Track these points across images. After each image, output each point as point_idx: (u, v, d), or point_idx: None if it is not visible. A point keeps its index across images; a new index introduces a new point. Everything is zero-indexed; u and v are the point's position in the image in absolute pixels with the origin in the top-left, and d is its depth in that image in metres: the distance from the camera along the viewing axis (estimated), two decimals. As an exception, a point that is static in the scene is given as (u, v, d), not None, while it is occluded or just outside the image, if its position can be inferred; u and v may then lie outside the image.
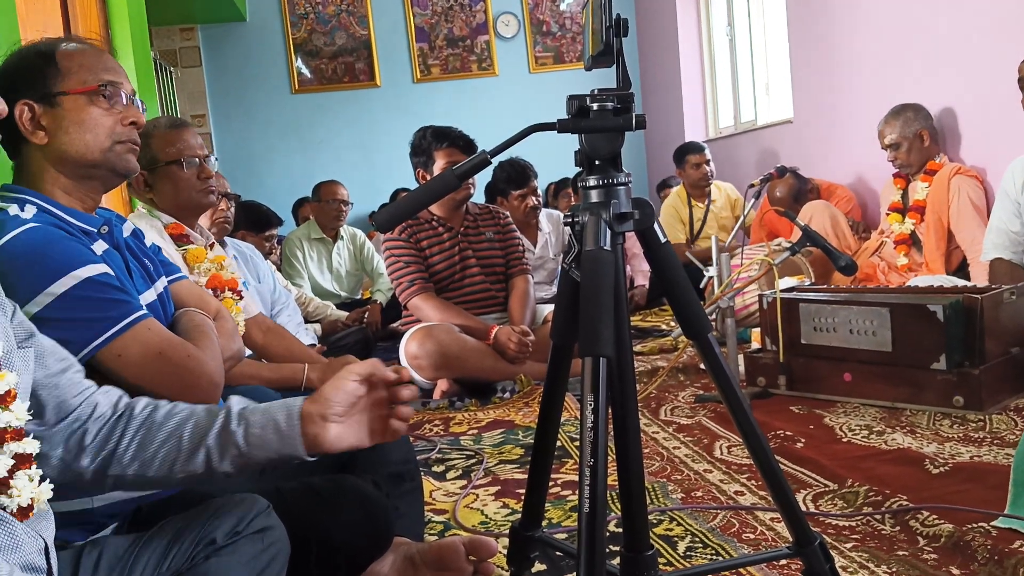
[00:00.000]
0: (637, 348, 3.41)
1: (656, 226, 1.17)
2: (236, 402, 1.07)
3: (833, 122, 4.43)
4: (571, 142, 1.16)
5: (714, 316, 2.61)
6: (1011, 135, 2.96)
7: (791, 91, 4.85)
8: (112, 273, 1.22)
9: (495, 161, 1.25)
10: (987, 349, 2.20)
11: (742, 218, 3.19)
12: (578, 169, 1.18)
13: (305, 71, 6.81)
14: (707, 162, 4.87)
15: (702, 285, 3.58)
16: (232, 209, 2.73)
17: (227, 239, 2.72)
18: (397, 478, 1.54)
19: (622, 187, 1.14)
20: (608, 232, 1.11)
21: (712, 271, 3.14)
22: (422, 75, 6.93)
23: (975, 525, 1.48)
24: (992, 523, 1.48)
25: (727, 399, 1.21)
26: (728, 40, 5.88)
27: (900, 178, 3.56)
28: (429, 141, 3.01)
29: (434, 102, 6.73)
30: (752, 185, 3.91)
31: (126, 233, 1.38)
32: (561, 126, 1.14)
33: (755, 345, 2.89)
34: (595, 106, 1.13)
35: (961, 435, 2.00)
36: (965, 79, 3.45)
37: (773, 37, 5.22)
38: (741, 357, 2.67)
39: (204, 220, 2.48)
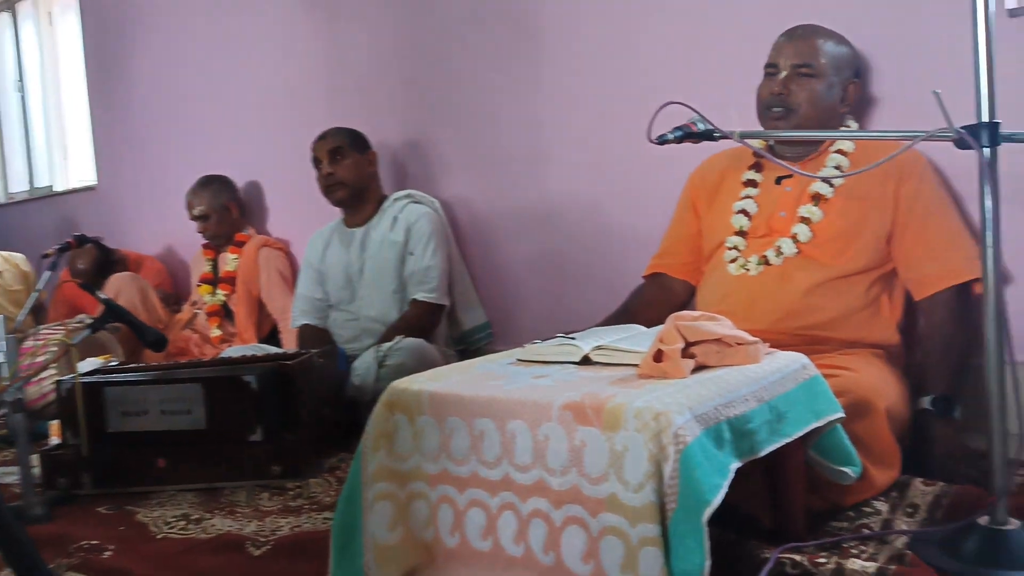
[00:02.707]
0: None
1: None
2: None
3: (141, 190, 4.24)
4: None
5: (2, 411, 2.16)
6: (310, 209, 3.17)
7: (94, 157, 4.52)
8: None
9: None
10: (301, 414, 2.24)
11: (35, 293, 2.75)
12: None
13: None
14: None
15: (-11, 374, 3.00)
16: None
17: None
18: None
19: None
20: None
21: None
22: None
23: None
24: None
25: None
26: (20, 98, 5.25)
27: (210, 249, 3.56)
28: None
29: None
30: (46, 255, 3.48)
31: None
32: None
33: (55, 440, 2.47)
34: None
35: (281, 507, 1.96)
36: (268, 155, 3.62)
37: (72, 100, 4.83)
38: (37, 457, 2.25)
39: None
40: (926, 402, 1.81)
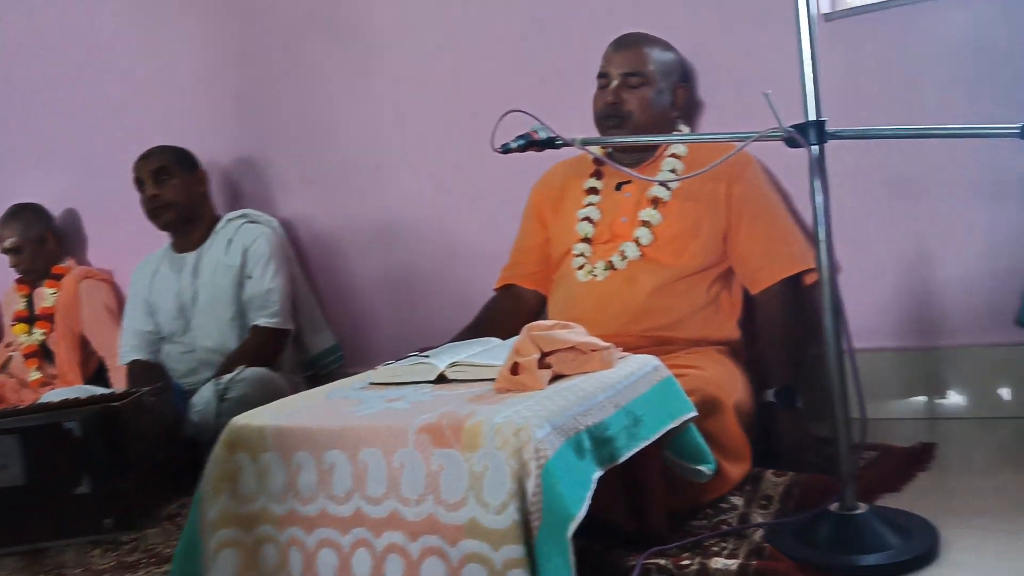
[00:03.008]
0: None
1: None
2: None
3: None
4: None
5: None
6: (136, 236, 2.95)
7: None
8: None
9: None
10: (134, 459, 2.05)
11: None
12: None
13: None
14: None
15: None
16: None
17: None
18: None
19: None
20: None
21: None
22: None
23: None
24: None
25: None
26: None
27: (24, 284, 3.27)
28: None
29: None
30: None
31: None
32: None
33: None
34: None
35: (115, 563, 1.78)
36: (85, 179, 3.36)
37: None
38: None
39: None
40: (769, 395, 1.87)
